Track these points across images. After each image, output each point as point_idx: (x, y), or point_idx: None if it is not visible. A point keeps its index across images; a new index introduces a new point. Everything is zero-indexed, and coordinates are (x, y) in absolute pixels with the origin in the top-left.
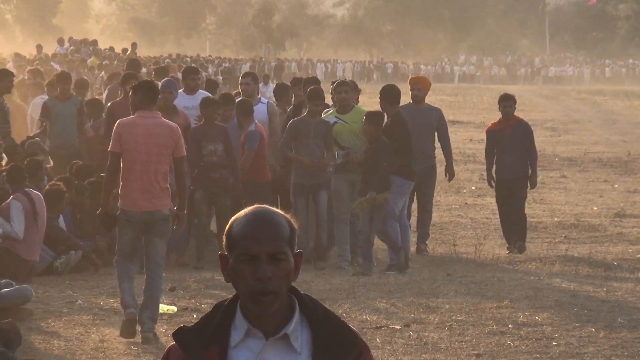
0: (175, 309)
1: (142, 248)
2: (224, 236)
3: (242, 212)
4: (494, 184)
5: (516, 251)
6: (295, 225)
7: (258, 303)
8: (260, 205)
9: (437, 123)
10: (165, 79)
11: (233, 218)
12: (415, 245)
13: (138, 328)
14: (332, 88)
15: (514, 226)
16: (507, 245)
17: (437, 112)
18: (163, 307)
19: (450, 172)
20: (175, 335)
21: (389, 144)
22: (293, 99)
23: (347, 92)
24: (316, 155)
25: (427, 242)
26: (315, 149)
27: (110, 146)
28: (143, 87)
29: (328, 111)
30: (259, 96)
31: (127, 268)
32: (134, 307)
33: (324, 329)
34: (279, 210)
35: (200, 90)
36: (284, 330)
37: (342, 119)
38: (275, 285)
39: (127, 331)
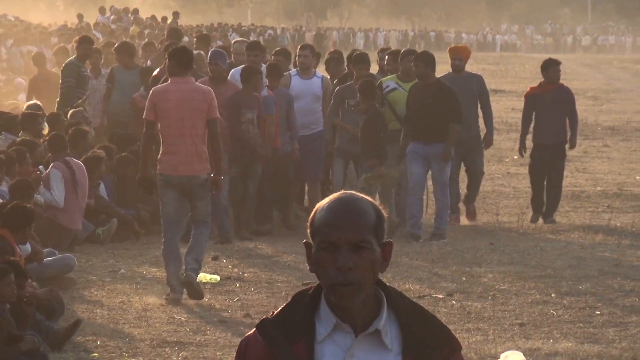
0: (218, 278)
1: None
2: (307, 223)
3: (326, 199)
4: (524, 154)
5: (547, 221)
6: (385, 213)
7: (339, 295)
8: (345, 192)
9: (478, 91)
10: (214, 49)
11: (318, 204)
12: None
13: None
14: (378, 55)
15: (548, 197)
16: (533, 214)
17: (479, 80)
18: (206, 276)
19: (487, 141)
20: (259, 328)
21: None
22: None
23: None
24: (357, 121)
25: (473, 209)
26: (356, 115)
27: (145, 114)
28: (176, 54)
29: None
30: (315, 70)
31: (174, 244)
32: (180, 292)
33: (414, 324)
34: (366, 197)
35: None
36: (374, 325)
37: (403, 87)
38: (357, 276)
39: (193, 294)
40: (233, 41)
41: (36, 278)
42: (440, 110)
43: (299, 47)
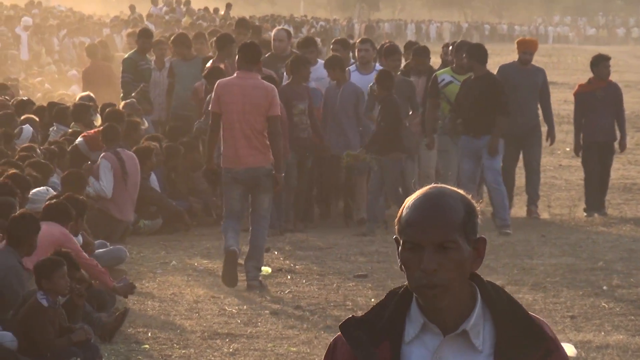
0: (269, 269)
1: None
2: (396, 219)
3: (415, 194)
4: (580, 154)
5: (600, 214)
6: (478, 206)
7: (424, 297)
8: (435, 186)
9: (541, 85)
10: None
11: (407, 199)
12: (526, 208)
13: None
14: (443, 50)
15: (598, 190)
16: (588, 209)
17: (543, 74)
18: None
19: (552, 136)
20: (343, 327)
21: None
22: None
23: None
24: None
25: (537, 203)
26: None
27: (210, 106)
28: (243, 49)
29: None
30: (375, 64)
31: (234, 224)
32: (236, 246)
33: (509, 322)
34: (458, 190)
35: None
36: (462, 325)
37: (459, 79)
38: (442, 278)
39: (227, 273)
40: (275, 29)
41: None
42: (488, 103)
43: (359, 40)
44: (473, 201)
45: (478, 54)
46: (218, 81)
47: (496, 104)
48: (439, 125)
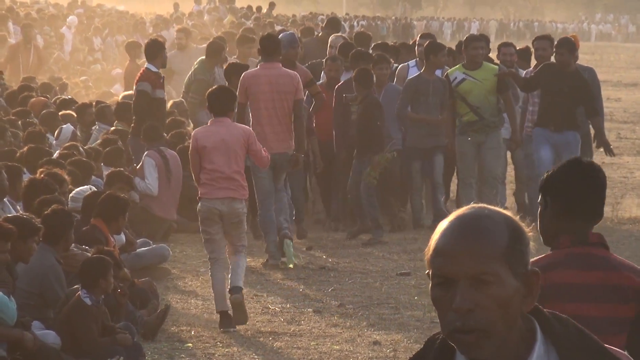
0: (295, 261)
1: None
2: (426, 249)
3: (450, 215)
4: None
5: None
6: (529, 231)
7: (460, 345)
8: (474, 205)
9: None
10: (284, 33)
11: (440, 223)
12: None
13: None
14: (499, 50)
15: None
16: None
17: (590, 72)
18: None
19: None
20: None
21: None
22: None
23: (483, 48)
24: (434, 114)
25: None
26: (433, 108)
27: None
28: (262, 42)
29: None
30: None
31: (270, 215)
32: (278, 258)
33: (579, 358)
34: (502, 211)
35: None
36: None
37: (472, 75)
38: (480, 319)
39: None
40: (332, 36)
41: (130, 268)
42: (575, 100)
43: (419, 35)
44: (522, 224)
45: (574, 48)
46: (244, 73)
47: (586, 104)
48: (457, 125)
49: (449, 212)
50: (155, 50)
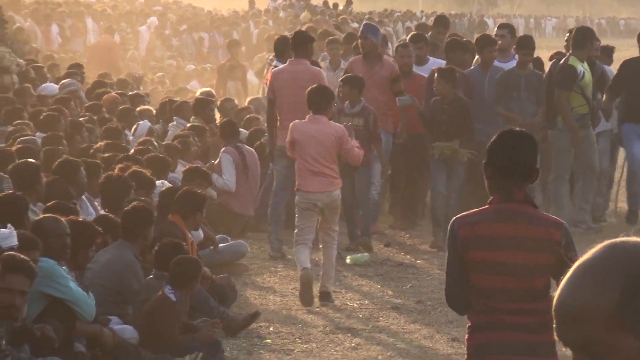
0: (367, 256)
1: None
2: None
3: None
4: None
5: None
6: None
7: None
8: (607, 242)
9: None
10: (365, 22)
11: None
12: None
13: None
14: (567, 38)
15: None
16: None
17: None
18: (356, 257)
19: None
20: None
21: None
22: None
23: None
24: (527, 110)
25: None
26: (526, 103)
27: (267, 93)
28: (292, 38)
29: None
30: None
31: (281, 207)
32: (279, 250)
33: None
34: (631, 240)
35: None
36: None
37: (586, 68)
38: None
39: None
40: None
41: (208, 264)
42: None
43: (497, 26)
44: None
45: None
46: (272, 70)
47: None
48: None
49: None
50: (283, 46)
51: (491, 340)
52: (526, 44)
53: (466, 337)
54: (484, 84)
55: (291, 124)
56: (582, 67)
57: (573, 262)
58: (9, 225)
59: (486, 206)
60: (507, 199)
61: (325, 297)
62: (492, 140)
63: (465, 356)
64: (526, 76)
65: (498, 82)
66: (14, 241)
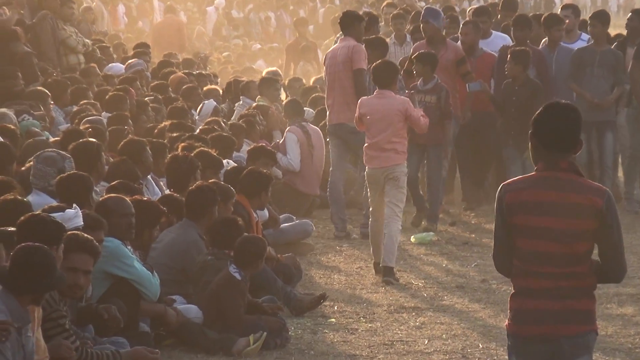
0: (432, 235)
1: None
2: None
3: None
4: None
5: None
6: None
7: None
8: None
9: None
10: (427, 7)
11: None
12: None
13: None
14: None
15: None
16: None
17: None
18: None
19: None
20: None
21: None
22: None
23: None
24: (600, 88)
25: None
26: (600, 81)
27: None
28: (340, 17)
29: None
30: (580, 32)
31: (339, 187)
32: (343, 230)
33: None
34: None
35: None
36: None
37: None
38: None
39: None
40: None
41: (273, 244)
42: None
43: (561, 6)
44: None
45: None
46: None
47: None
48: None
49: None
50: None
51: (530, 307)
52: (597, 16)
53: (509, 301)
54: (551, 63)
55: (360, 99)
56: None
57: (613, 229)
58: (74, 205)
59: (532, 173)
60: (552, 167)
61: (388, 272)
62: (537, 112)
63: (508, 321)
64: (602, 53)
65: (573, 58)
66: (80, 221)
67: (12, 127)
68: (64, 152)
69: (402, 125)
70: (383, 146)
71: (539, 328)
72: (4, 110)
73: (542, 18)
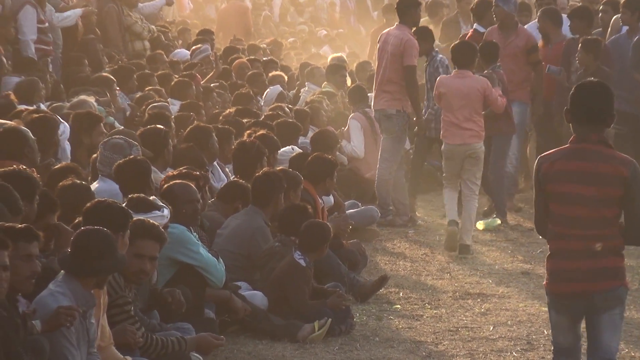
0: (498, 221)
1: None
2: None
3: None
4: None
5: None
6: None
7: None
8: None
9: None
10: None
11: None
12: None
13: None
14: None
15: None
16: None
17: None
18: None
19: None
20: None
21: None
22: None
23: None
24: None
25: None
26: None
27: None
28: (397, 3)
29: None
30: None
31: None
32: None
33: None
34: None
35: None
36: None
37: None
38: None
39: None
40: None
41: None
42: None
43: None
44: None
45: None
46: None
47: None
48: None
49: None
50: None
51: (563, 267)
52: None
53: (545, 262)
54: (629, 49)
55: (438, 78)
56: None
57: (636, 197)
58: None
59: (567, 145)
60: (583, 139)
61: (464, 249)
62: (572, 90)
63: (546, 280)
64: (636, 43)
65: (634, 46)
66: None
67: (98, 113)
68: (131, 140)
69: (480, 105)
70: (462, 124)
71: (571, 286)
72: (84, 97)
73: (623, 1)
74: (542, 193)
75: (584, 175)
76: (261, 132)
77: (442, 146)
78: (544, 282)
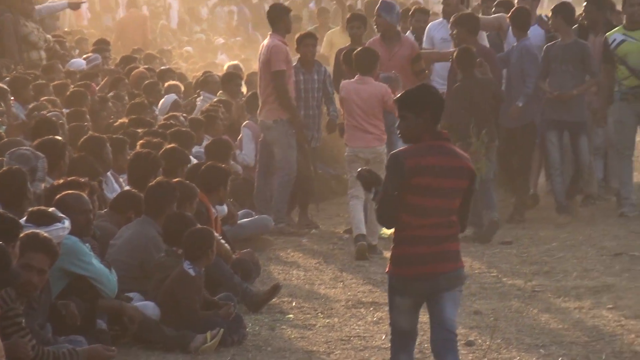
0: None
1: None
2: None
3: None
4: None
5: None
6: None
7: None
8: None
9: None
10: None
11: None
12: None
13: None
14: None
15: None
16: None
17: None
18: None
19: None
20: None
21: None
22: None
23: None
24: (565, 84)
25: None
26: (564, 76)
27: None
28: (268, 12)
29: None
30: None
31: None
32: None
33: None
34: None
35: None
36: None
37: (632, 35)
38: None
39: None
40: None
41: (232, 239)
42: None
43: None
44: None
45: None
46: None
47: None
48: (615, 91)
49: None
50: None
51: (414, 252)
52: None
53: (391, 249)
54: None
55: (341, 82)
56: (622, 36)
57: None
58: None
59: (420, 143)
60: (438, 137)
61: (372, 249)
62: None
63: (388, 266)
64: (565, 47)
65: (545, 53)
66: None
67: None
68: (38, 152)
69: (380, 109)
70: (364, 128)
71: (422, 268)
72: None
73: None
74: (401, 186)
75: (444, 169)
76: (172, 145)
77: (346, 151)
78: (387, 270)
